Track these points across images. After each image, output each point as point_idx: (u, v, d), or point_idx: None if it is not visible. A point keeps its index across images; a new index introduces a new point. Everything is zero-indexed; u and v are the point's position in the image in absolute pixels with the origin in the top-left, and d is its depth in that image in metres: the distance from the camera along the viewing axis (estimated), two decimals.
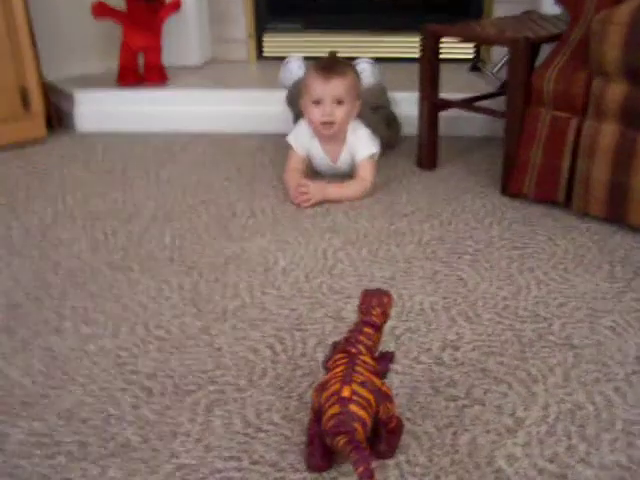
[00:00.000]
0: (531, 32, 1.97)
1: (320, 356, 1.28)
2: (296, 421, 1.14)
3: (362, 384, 0.98)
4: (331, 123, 2.01)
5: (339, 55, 2.14)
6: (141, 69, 2.79)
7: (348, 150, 2.08)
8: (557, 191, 1.86)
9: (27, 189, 2.15)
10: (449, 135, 2.43)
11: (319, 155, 2.12)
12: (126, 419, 1.16)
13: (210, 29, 3.12)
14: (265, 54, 3.16)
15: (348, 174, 2.10)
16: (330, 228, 1.83)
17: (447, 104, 2.18)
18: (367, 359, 1.02)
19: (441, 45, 2.10)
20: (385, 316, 1.08)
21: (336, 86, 1.99)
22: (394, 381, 1.22)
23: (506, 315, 1.42)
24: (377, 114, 2.35)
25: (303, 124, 2.11)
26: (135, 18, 2.70)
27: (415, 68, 2.14)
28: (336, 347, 1.08)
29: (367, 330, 1.05)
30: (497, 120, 2.44)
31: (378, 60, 2.66)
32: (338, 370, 1.00)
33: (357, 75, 2.09)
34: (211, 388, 1.23)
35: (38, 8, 2.69)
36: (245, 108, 2.66)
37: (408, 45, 2.97)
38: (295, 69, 2.57)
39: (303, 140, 2.11)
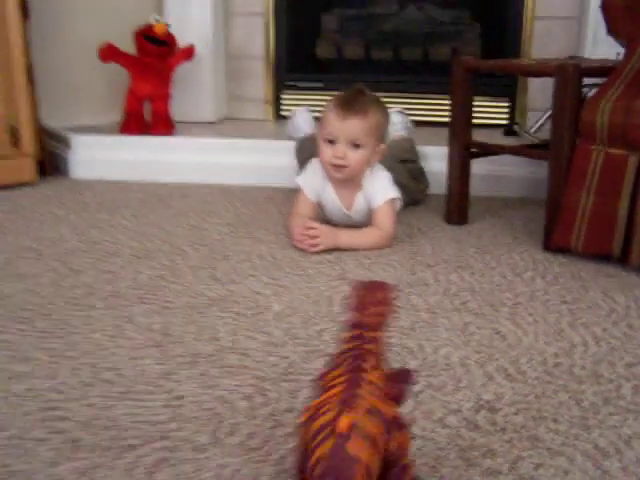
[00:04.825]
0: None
1: None
2: None
3: (368, 412, 0.66)
4: (342, 166, 1.74)
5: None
6: (148, 118, 2.57)
7: (364, 195, 1.80)
8: (612, 243, 1.56)
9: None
10: (481, 195, 2.16)
11: (332, 201, 1.83)
12: (35, 478, 0.83)
13: (227, 87, 2.92)
14: (283, 113, 2.93)
15: (364, 225, 1.81)
16: (339, 275, 1.53)
17: (481, 147, 1.91)
18: (376, 378, 0.72)
19: (473, 109, 1.85)
20: (384, 317, 0.78)
21: (353, 126, 1.71)
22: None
23: (558, 374, 1.09)
24: (404, 167, 2.09)
25: (316, 164, 1.84)
26: (143, 64, 2.50)
27: (446, 132, 1.89)
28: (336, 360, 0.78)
29: (370, 336, 0.75)
30: (535, 180, 2.17)
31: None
32: (336, 391, 0.70)
33: (384, 115, 1.79)
34: (160, 444, 0.91)
35: (45, 57, 2.52)
36: (255, 159, 2.41)
37: (438, 108, 2.72)
38: (301, 124, 2.32)
39: (315, 182, 1.83)
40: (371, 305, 0.77)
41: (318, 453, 0.64)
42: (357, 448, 0.63)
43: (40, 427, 0.94)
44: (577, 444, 0.91)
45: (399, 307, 1.34)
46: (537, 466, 0.86)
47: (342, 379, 0.71)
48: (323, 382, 0.74)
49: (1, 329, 1.24)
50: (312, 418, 0.68)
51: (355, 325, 0.76)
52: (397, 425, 0.69)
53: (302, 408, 0.97)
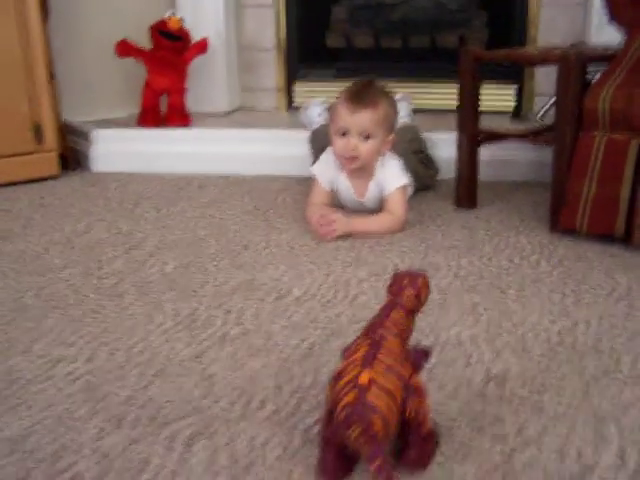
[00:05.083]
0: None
1: None
2: (299, 459, 0.89)
3: (386, 371, 0.78)
4: (354, 157, 1.81)
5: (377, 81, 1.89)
6: (164, 111, 2.64)
7: (376, 183, 1.87)
8: (615, 224, 1.62)
9: (28, 219, 1.97)
10: (489, 179, 2.22)
11: (346, 189, 1.91)
12: (82, 451, 0.92)
13: (240, 78, 2.99)
14: (296, 104, 2.99)
15: (377, 211, 1.88)
16: (354, 261, 1.61)
17: (487, 135, 1.98)
18: (395, 346, 0.83)
19: (480, 94, 1.91)
20: (418, 300, 0.88)
21: (363, 119, 1.78)
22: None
23: (562, 350, 1.17)
24: (415, 155, 2.16)
25: (330, 153, 1.91)
26: (159, 58, 2.57)
27: (454, 118, 1.95)
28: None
29: (397, 313, 0.86)
30: (542, 164, 2.23)
31: (414, 110, 2.48)
32: (358, 355, 0.81)
33: (393, 106, 1.86)
34: (194, 419, 0.99)
35: (63, 55, 2.60)
36: (269, 149, 2.48)
37: (446, 94, 2.77)
38: (314, 116, 2.39)
39: (329, 171, 1.91)
40: (408, 289, 0.87)
41: (343, 402, 0.76)
42: (376, 399, 0.76)
43: (83, 406, 1.03)
44: (578, 412, 0.98)
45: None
46: (541, 432, 0.94)
47: (365, 345, 0.82)
48: (347, 352, 0.85)
49: (41, 317, 1.33)
50: (337, 378, 0.80)
51: (389, 304, 0.87)
52: (414, 388, 0.79)
53: (324, 384, 1.06)
